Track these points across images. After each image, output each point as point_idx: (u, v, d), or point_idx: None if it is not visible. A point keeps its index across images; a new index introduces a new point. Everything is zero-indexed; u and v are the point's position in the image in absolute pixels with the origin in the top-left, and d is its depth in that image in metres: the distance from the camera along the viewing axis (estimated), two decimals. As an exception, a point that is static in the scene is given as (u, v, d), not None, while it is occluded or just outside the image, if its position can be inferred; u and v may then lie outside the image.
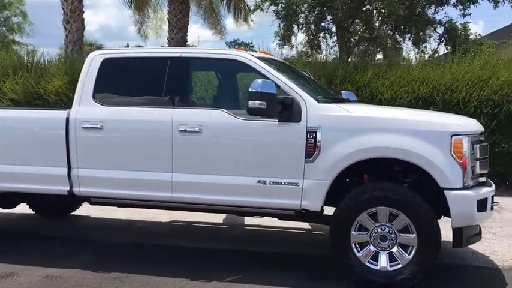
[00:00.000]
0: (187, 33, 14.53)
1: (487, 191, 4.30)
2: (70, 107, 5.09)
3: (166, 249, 5.57)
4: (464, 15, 15.10)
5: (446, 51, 16.09)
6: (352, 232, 4.35)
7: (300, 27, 17.96)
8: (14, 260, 5.07)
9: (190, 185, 4.70)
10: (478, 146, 4.31)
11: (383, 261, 4.30)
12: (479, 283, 4.72)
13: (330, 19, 17.81)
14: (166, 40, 14.60)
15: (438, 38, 16.37)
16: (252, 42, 37.26)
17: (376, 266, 4.32)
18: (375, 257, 4.33)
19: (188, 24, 14.60)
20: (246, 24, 17.32)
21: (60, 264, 4.99)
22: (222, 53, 4.97)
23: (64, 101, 10.92)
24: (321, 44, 18.49)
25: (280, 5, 17.32)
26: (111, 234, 6.38)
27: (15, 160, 5.14)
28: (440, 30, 16.13)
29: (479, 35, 16.59)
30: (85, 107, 4.98)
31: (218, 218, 7.00)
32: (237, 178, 4.59)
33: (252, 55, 4.81)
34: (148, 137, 4.82)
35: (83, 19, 14.05)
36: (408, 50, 18.63)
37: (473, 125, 4.48)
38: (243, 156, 4.59)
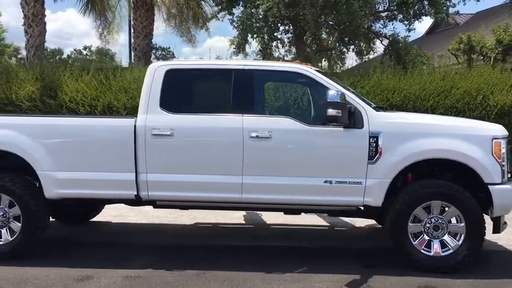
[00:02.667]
0: (152, 40, 14.66)
1: (516, 185, 5.15)
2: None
3: (220, 248, 5.92)
4: (409, 30, 16.54)
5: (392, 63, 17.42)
6: (409, 224, 5.01)
7: (255, 36, 18.57)
8: (80, 264, 5.19)
9: (260, 186, 5.13)
10: (508, 147, 5.16)
11: (436, 247, 5.00)
12: (500, 262, 5.54)
13: (283, 29, 18.63)
14: (131, 46, 14.62)
15: (383, 50, 17.70)
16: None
17: (430, 252, 5.01)
18: (428, 245, 5.03)
19: (153, 31, 14.71)
20: (206, 32, 17.71)
21: (127, 266, 5.19)
22: (285, 66, 5.46)
23: (40, 107, 10.75)
24: (273, 52, 19.23)
25: (236, 15, 17.87)
26: (149, 237, 6.58)
27: (83, 167, 5.27)
28: (385, 42, 17.47)
29: (419, 48, 18.16)
30: (153, 115, 5.23)
31: (239, 218, 7.44)
32: (305, 179, 5.09)
33: (311, 68, 5.34)
34: (218, 142, 5.19)
35: (45, 23, 13.71)
36: (352, 60, 19.92)
37: (503, 130, 5.32)
38: (310, 159, 5.10)
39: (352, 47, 19.74)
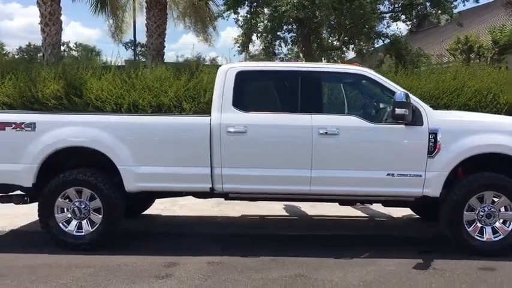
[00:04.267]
0: (165, 39, 14.93)
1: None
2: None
3: (281, 237, 6.37)
4: (411, 31, 17.17)
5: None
6: (465, 212, 5.53)
7: (258, 35, 19.01)
8: (161, 253, 5.57)
9: (329, 179, 5.58)
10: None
11: (488, 234, 5.53)
12: None
13: (286, 29, 19.09)
14: (145, 44, 14.87)
15: (384, 49, 18.31)
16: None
17: (483, 238, 5.54)
18: (481, 231, 5.55)
19: (166, 30, 14.97)
20: (214, 30, 18.03)
21: (205, 253, 5.58)
22: (348, 68, 5.91)
23: (65, 105, 10.99)
24: (276, 51, 19.72)
25: (241, 14, 18.30)
26: (211, 227, 6.98)
27: (161, 162, 5.64)
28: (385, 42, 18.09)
29: (419, 48, 18.85)
30: (227, 113, 5.63)
31: (280, 210, 7.89)
32: (369, 172, 5.56)
33: (370, 70, 5.81)
34: (289, 138, 5.62)
35: (61, 21, 13.88)
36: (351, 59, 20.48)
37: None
38: (375, 154, 5.57)
39: (352, 46, 20.30)
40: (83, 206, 5.69)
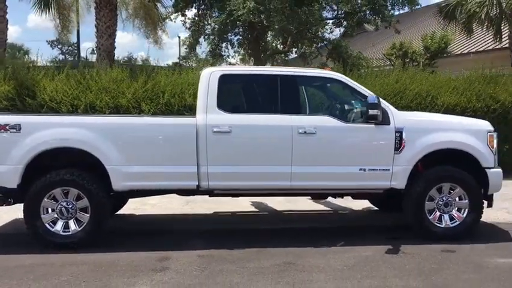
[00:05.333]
0: (115, 40, 14.84)
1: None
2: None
3: (259, 231, 6.76)
4: (351, 36, 18.15)
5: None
6: (426, 202, 6.19)
7: (206, 37, 19.31)
8: (150, 249, 5.79)
9: (307, 175, 6.05)
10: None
11: (446, 220, 6.23)
12: (491, 231, 6.82)
13: (233, 32, 19.52)
14: (94, 45, 14.74)
15: (327, 53, 19.20)
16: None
17: (442, 224, 6.23)
18: (440, 219, 6.23)
19: (116, 31, 14.90)
20: (163, 32, 18.06)
21: (192, 247, 5.87)
22: (322, 73, 6.43)
23: (18, 106, 10.83)
24: (222, 53, 20.09)
25: (188, 17, 18.53)
26: (188, 224, 7.25)
27: (148, 161, 5.86)
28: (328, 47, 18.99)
29: (359, 51, 19.93)
30: (212, 114, 5.95)
31: (248, 207, 8.27)
32: (344, 168, 6.08)
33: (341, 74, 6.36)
34: (271, 138, 6.03)
35: (7, 20, 13.48)
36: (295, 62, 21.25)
37: (491, 126, 6.63)
38: (348, 151, 6.11)
39: (295, 49, 21.07)
40: (70, 206, 5.79)
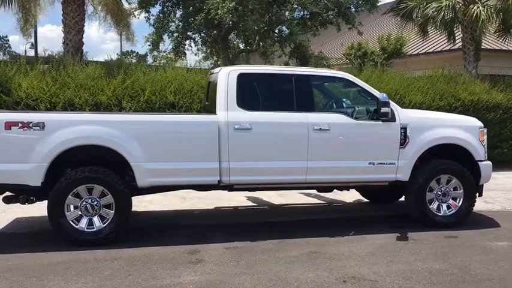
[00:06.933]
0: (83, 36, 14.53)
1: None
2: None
3: (269, 224, 7.06)
4: (314, 35, 18.72)
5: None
6: (427, 193, 6.73)
7: (170, 35, 19.28)
8: (174, 243, 5.95)
9: (321, 169, 6.42)
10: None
11: (444, 209, 6.80)
12: (483, 219, 7.43)
13: (196, 29, 19.56)
14: (62, 41, 14.37)
15: (289, 52, 19.67)
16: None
17: (440, 213, 6.80)
18: (438, 208, 6.80)
19: (84, 26, 14.60)
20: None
21: (215, 241, 6.09)
22: (333, 72, 6.82)
23: None
24: (186, 51, 20.11)
25: (151, 13, 18.44)
26: (196, 219, 7.42)
27: (172, 158, 6.01)
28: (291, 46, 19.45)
29: (321, 51, 20.58)
30: (233, 112, 6.18)
31: (245, 202, 8.55)
32: (355, 162, 6.51)
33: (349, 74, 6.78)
34: (289, 134, 6.35)
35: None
36: (256, 61, 21.62)
37: (481, 122, 7.26)
38: (358, 146, 6.54)
39: (257, 48, 21.38)
40: (94, 203, 5.85)
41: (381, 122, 6.53)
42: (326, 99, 7.02)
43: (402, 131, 6.58)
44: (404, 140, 6.59)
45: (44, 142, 5.67)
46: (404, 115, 6.69)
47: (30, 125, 5.65)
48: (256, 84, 6.51)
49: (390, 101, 6.69)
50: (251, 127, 6.17)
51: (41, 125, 5.67)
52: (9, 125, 5.61)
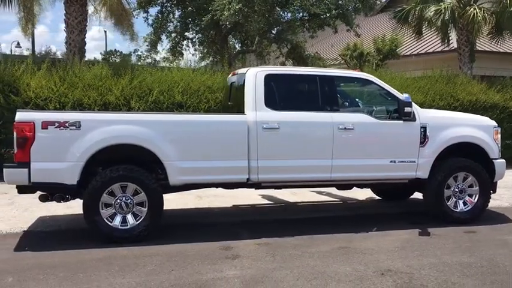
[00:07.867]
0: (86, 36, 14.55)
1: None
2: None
3: (293, 220, 7.25)
4: (312, 37, 18.95)
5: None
6: (445, 190, 6.98)
7: (168, 35, 19.34)
8: (205, 239, 6.09)
9: (346, 167, 6.62)
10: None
11: (461, 205, 7.07)
12: (495, 215, 7.69)
13: (194, 30, 19.64)
14: (64, 41, 14.38)
15: (286, 53, 19.85)
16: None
17: (457, 209, 7.06)
18: (455, 204, 7.06)
19: (86, 26, 14.61)
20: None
21: (244, 237, 6.26)
22: (356, 73, 7.03)
23: (2, 103, 10.57)
24: (183, 52, 20.17)
25: (150, 13, 18.50)
26: (216, 217, 7.55)
27: (203, 157, 6.16)
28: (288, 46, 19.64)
29: (317, 52, 20.82)
30: (261, 112, 6.35)
31: (260, 199, 8.73)
32: (377, 160, 6.73)
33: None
34: (315, 133, 6.54)
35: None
36: (252, 61, 21.76)
37: (495, 122, 7.53)
38: (381, 145, 6.76)
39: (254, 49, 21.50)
40: (128, 201, 5.96)
41: (401, 122, 6.75)
42: (348, 99, 7.20)
43: (422, 130, 6.82)
44: (424, 139, 6.82)
45: (80, 141, 5.77)
46: (423, 115, 6.93)
47: (67, 124, 5.75)
48: (282, 85, 6.68)
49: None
50: (279, 126, 6.35)
51: (77, 125, 5.77)
52: (46, 125, 5.70)
